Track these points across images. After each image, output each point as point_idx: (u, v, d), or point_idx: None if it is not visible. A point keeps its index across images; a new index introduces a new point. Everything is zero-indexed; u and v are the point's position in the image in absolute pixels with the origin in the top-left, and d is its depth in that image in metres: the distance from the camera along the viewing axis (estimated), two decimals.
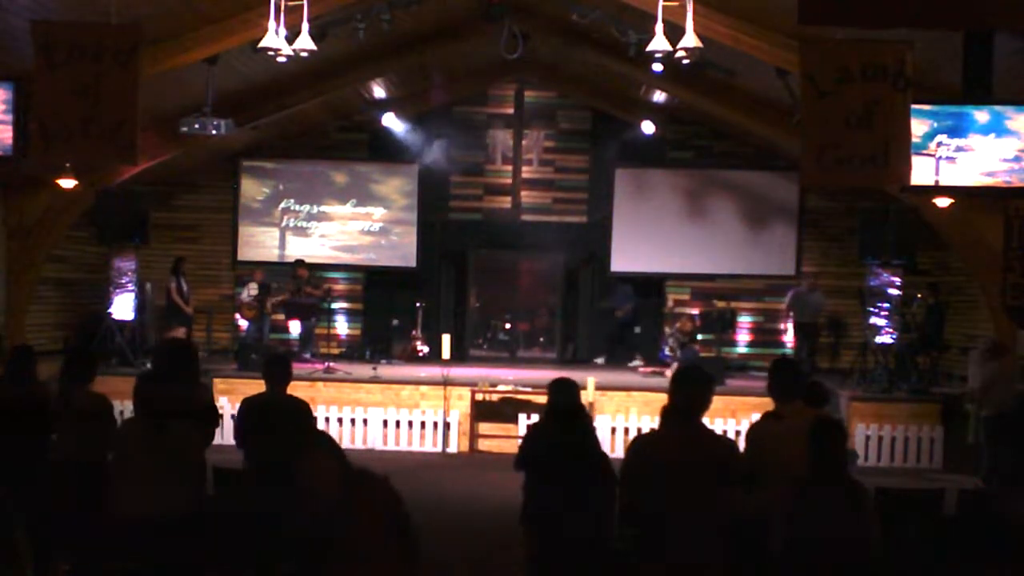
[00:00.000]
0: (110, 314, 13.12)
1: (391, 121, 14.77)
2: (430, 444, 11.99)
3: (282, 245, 15.75)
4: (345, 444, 11.95)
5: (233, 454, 6.14)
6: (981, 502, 5.99)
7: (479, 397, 12.04)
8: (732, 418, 11.52)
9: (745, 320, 15.66)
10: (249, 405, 6.14)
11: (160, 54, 9.02)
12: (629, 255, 15.50)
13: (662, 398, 4.55)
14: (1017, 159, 7.39)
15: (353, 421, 12.06)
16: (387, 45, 11.94)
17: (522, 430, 11.29)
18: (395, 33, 10.72)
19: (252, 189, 15.80)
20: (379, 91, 14.46)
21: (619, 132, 15.26)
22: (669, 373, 13.32)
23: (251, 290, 14.10)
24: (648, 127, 14.67)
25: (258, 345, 13.48)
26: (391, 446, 11.99)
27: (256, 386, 6.79)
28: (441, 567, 7.24)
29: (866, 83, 7.17)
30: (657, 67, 10.06)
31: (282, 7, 8.10)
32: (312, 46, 8.44)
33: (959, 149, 7.44)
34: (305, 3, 8.26)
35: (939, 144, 7.44)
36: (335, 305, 15.22)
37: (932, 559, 5.26)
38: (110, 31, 7.53)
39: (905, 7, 6.70)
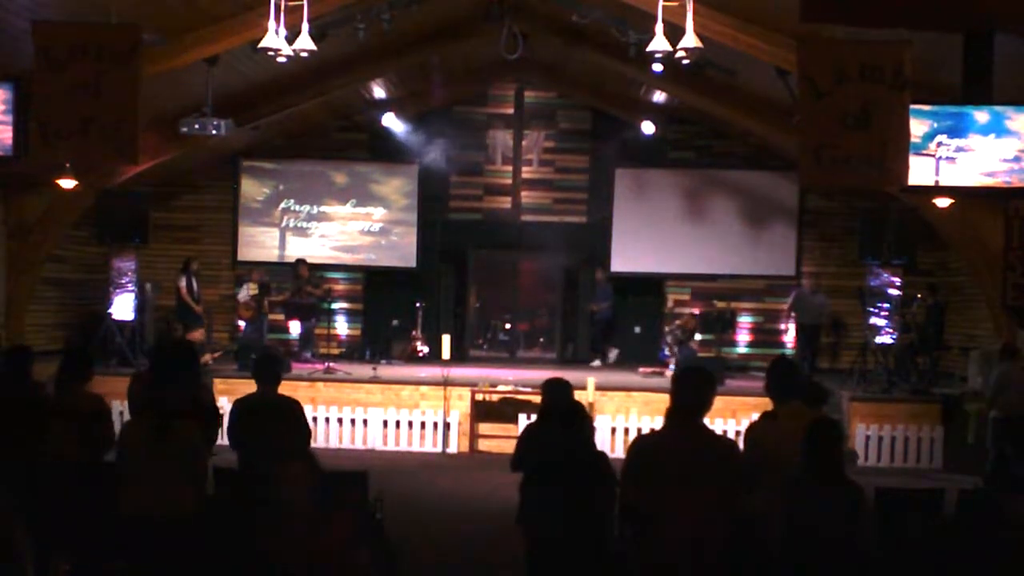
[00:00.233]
0: (110, 314, 13.13)
1: (391, 121, 14.77)
2: (430, 444, 11.99)
3: (282, 245, 15.75)
4: (345, 444, 11.98)
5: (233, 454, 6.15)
6: (981, 502, 5.98)
7: (479, 397, 12.04)
8: (732, 418, 11.52)
9: (745, 320, 15.66)
10: (240, 406, 6.15)
11: (160, 54, 9.02)
12: (629, 255, 15.49)
13: (662, 398, 4.56)
14: (1017, 159, 7.39)
15: (353, 421, 12.06)
16: (387, 45, 11.94)
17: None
18: (395, 33, 10.72)
19: (252, 189, 15.80)
20: (379, 91, 14.47)
21: (619, 132, 15.26)
22: (669, 373, 13.36)
23: (248, 290, 14.10)
24: (648, 127, 14.67)
25: (256, 345, 13.47)
26: (391, 446, 11.99)
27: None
28: (441, 567, 7.25)
29: (864, 84, 7.18)
30: (657, 67, 10.05)
31: (282, 7, 8.10)
32: (312, 46, 8.44)
33: (959, 149, 7.43)
34: (305, 3, 8.26)
35: (939, 144, 7.44)
36: (335, 305, 15.22)
37: (932, 559, 5.26)
38: (110, 31, 7.54)
39: (906, 6, 6.72)
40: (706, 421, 4.45)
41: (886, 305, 12.66)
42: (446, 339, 12.86)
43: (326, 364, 12.90)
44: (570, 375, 6.50)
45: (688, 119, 15.28)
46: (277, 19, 8.04)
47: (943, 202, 10.69)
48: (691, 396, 4.37)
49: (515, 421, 11.73)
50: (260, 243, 15.74)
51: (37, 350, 7.01)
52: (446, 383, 12.00)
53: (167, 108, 11.05)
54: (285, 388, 6.40)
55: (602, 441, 11.26)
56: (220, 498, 5.49)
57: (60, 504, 5.20)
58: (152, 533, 4.72)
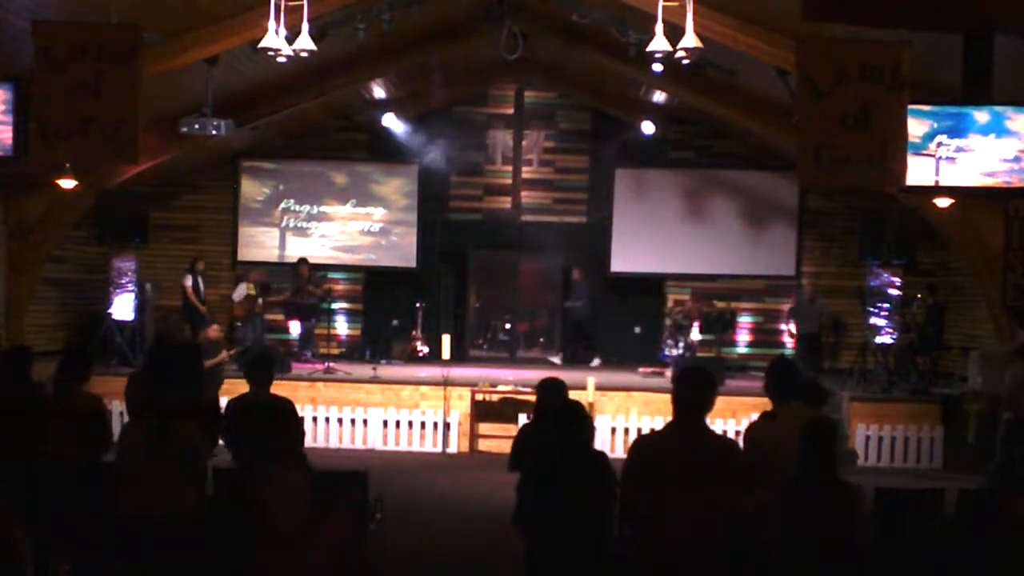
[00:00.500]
0: (110, 314, 13.14)
1: (391, 121, 14.76)
2: (430, 444, 12.00)
3: (282, 245, 15.75)
4: (345, 444, 11.99)
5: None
6: (981, 502, 5.98)
7: (479, 397, 12.04)
8: (732, 418, 11.52)
9: (745, 320, 15.66)
10: (233, 406, 6.16)
11: (160, 54, 9.01)
12: (629, 255, 15.50)
13: (662, 398, 4.57)
14: (1017, 159, 7.38)
15: (353, 421, 12.07)
16: (387, 45, 11.94)
17: None
18: (395, 33, 10.72)
19: (252, 189, 15.80)
20: (379, 91, 14.47)
21: (619, 132, 15.25)
22: (669, 373, 13.37)
23: (245, 289, 14.11)
24: (648, 127, 14.66)
25: (249, 345, 13.46)
26: (391, 446, 11.99)
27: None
28: (441, 567, 7.26)
29: (863, 84, 7.18)
30: (657, 67, 10.05)
31: (282, 7, 8.10)
32: (312, 46, 8.43)
33: (959, 149, 7.43)
34: (305, 3, 8.25)
35: (939, 144, 7.43)
36: (335, 305, 15.23)
37: (932, 559, 5.26)
38: (110, 31, 7.54)
39: (907, 6, 6.72)
40: (706, 421, 4.46)
41: (886, 305, 12.67)
42: (446, 339, 12.86)
43: (326, 364, 12.91)
44: (569, 375, 6.50)
45: (688, 119, 15.28)
46: (277, 19, 8.03)
47: (943, 202, 10.69)
48: (692, 396, 4.37)
49: (515, 421, 11.72)
50: (260, 243, 15.74)
51: (37, 350, 7.01)
52: (446, 383, 12.01)
53: (167, 108, 11.04)
54: (286, 388, 6.44)
55: (602, 441, 11.27)
56: (220, 498, 5.49)
57: (60, 504, 5.20)
58: (152, 533, 4.73)
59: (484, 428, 12.07)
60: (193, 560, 4.69)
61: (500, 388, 12.10)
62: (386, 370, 13.24)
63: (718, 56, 10.08)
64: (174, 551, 4.69)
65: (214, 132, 10.34)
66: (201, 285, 14.10)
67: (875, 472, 10.95)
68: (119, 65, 7.40)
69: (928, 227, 12.30)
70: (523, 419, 11.58)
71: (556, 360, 14.83)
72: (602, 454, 5.12)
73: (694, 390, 4.39)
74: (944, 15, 6.87)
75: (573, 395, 5.95)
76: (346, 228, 15.83)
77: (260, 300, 14.08)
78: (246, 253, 15.65)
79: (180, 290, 14.07)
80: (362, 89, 14.14)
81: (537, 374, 6.67)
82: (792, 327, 14.27)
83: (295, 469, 3.79)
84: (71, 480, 5.39)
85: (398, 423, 12.07)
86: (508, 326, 17.86)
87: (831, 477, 4.47)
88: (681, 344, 13.81)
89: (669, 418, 4.50)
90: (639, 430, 11.29)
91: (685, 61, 8.49)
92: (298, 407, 6.66)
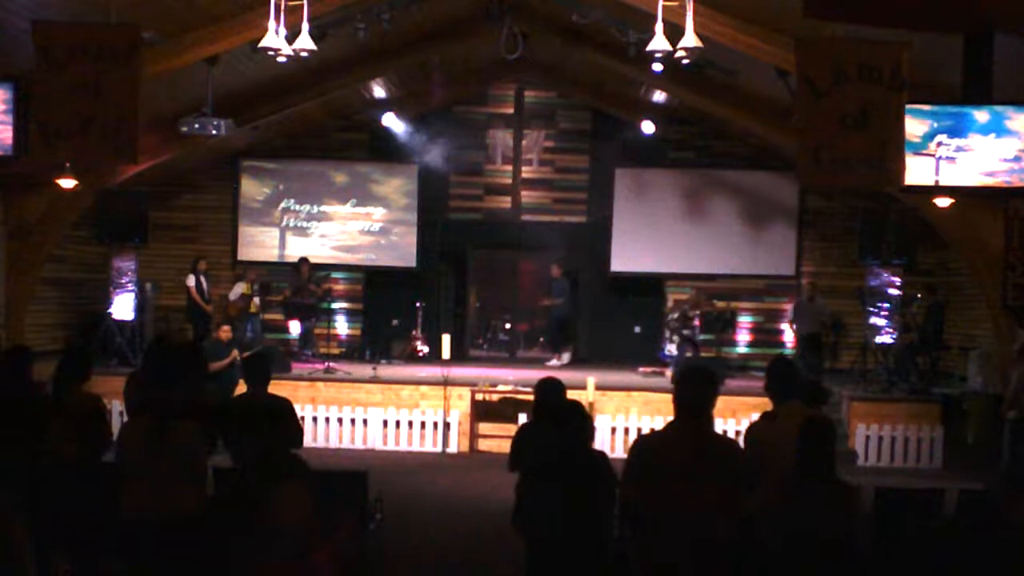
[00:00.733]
0: (110, 314, 13.14)
1: (391, 121, 14.76)
2: (430, 444, 12.00)
3: (282, 245, 15.76)
4: (345, 444, 11.99)
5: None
6: (981, 502, 5.98)
7: (479, 397, 12.04)
8: (732, 418, 11.52)
9: (745, 320, 15.66)
10: (231, 406, 6.16)
11: (160, 54, 9.02)
12: (629, 255, 15.50)
13: (662, 398, 4.56)
14: (1017, 159, 7.38)
15: (353, 421, 12.07)
16: (387, 45, 11.94)
17: None
18: (395, 33, 10.72)
19: (252, 189, 15.81)
20: (379, 91, 14.46)
21: (619, 132, 15.25)
22: (669, 373, 13.38)
23: (241, 289, 14.12)
24: (648, 127, 14.66)
25: (245, 346, 13.45)
26: (391, 446, 11.99)
27: None
28: (441, 567, 7.26)
29: (862, 84, 7.18)
30: (657, 67, 10.05)
31: (282, 7, 8.10)
32: (312, 46, 8.43)
33: (959, 149, 7.43)
34: (305, 3, 8.26)
35: (939, 144, 7.44)
36: (335, 305, 15.23)
37: (932, 559, 5.26)
38: (110, 31, 7.54)
39: (907, 6, 6.72)
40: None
41: (886, 305, 12.67)
42: (446, 339, 12.86)
43: (326, 364, 12.91)
44: (569, 376, 6.50)
45: (688, 119, 15.28)
46: (277, 19, 8.03)
47: (943, 202, 10.68)
48: (692, 395, 4.37)
49: (515, 421, 11.71)
50: (260, 243, 15.75)
51: (37, 350, 7.00)
52: (446, 383, 12.01)
53: (167, 108, 11.04)
54: (286, 388, 6.44)
55: (602, 441, 11.28)
56: (220, 498, 5.49)
57: (60, 504, 5.20)
58: (152, 533, 4.73)
59: (484, 428, 12.08)
60: (193, 560, 4.70)
61: (500, 388, 12.10)
62: (386, 370, 13.24)
63: (718, 56, 10.09)
64: (174, 551, 4.69)
65: (214, 132, 10.34)
66: (205, 285, 14.13)
67: (875, 472, 10.95)
68: (119, 65, 7.40)
69: (928, 227, 12.30)
70: (523, 419, 11.59)
71: (554, 363, 14.82)
72: (602, 454, 5.12)
73: (695, 390, 4.39)
74: (944, 15, 6.87)
75: (573, 395, 5.95)
76: (346, 228, 15.83)
77: (256, 300, 14.08)
78: (246, 253, 15.66)
79: (184, 290, 14.11)
80: (362, 89, 14.14)
81: (537, 374, 6.67)
82: (794, 328, 14.28)
83: (293, 473, 3.79)
84: (71, 480, 5.39)
85: (398, 423, 12.07)
86: (508, 326, 17.89)
87: (829, 476, 4.47)
88: (686, 332, 13.81)
89: (669, 418, 4.51)
90: (639, 430, 11.30)
91: (685, 61, 8.49)
92: (298, 407, 6.68)
